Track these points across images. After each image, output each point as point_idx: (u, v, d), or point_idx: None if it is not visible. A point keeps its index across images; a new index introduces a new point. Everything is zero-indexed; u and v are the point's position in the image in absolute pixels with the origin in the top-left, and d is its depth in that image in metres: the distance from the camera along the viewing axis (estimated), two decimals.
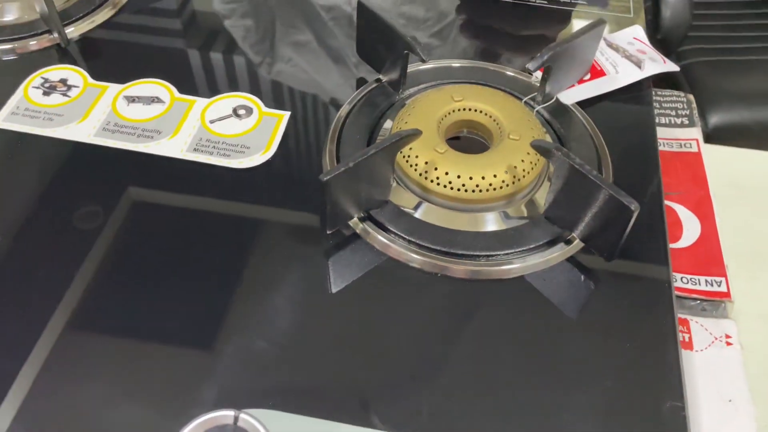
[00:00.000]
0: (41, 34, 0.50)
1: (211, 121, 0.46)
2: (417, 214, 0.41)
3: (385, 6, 0.57)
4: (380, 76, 0.48)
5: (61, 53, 0.50)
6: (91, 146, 0.44)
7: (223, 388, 0.32)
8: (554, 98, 0.47)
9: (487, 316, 0.37)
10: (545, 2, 0.58)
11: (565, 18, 0.57)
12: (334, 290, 0.37)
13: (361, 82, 0.50)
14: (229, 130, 0.45)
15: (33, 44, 0.50)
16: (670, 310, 0.37)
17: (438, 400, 0.33)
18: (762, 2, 0.98)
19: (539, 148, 0.37)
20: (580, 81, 0.49)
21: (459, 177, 0.40)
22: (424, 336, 0.36)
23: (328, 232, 0.38)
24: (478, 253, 0.38)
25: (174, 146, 0.44)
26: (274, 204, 0.42)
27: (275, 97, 0.48)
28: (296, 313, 0.36)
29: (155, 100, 0.47)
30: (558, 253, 0.39)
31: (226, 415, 0.27)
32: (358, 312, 0.37)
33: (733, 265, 0.48)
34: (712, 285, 0.48)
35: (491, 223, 0.40)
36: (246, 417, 0.27)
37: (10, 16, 0.52)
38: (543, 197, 0.41)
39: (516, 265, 0.38)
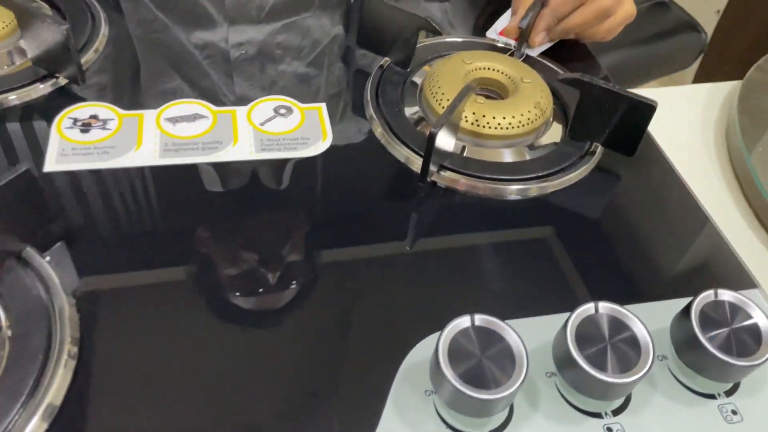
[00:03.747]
0: (43, 79, 0.49)
1: (261, 123, 0.49)
2: (468, 154, 0.49)
3: (259, 38, 0.56)
4: (386, 59, 0.55)
5: (65, 93, 0.49)
6: (163, 167, 0.45)
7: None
8: (524, 54, 0.58)
9: (554, 226, 0.46)
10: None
11: None
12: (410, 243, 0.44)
13: None
14: (281, 127, 0.49)
15: (38, 90, 0.48)
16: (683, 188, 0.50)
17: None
18: None
19: (567, 80, 0.47)
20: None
21: (504, 118, 0.48)
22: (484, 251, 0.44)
23: (427, 179, 0.45)
24: (532, 175, 0.48)
25: (242, 150, 0.47)
26: (353, 175, 0.47)
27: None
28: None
29: (197, 116, 0.49)
30: (588, 163, 0.49)
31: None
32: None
33: None
34: None
35: (533, 151, 0.50)
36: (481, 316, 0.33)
37: None
38: (556, 127, 0.52)
39: (566, 177, 0.48)
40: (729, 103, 0.75)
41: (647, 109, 0.46)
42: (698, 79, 1.63)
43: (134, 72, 0.53)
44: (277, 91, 0.53)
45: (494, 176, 0.47)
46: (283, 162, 0.47)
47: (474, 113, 0.48)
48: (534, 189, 0.47)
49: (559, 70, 0.57)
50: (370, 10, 0.53)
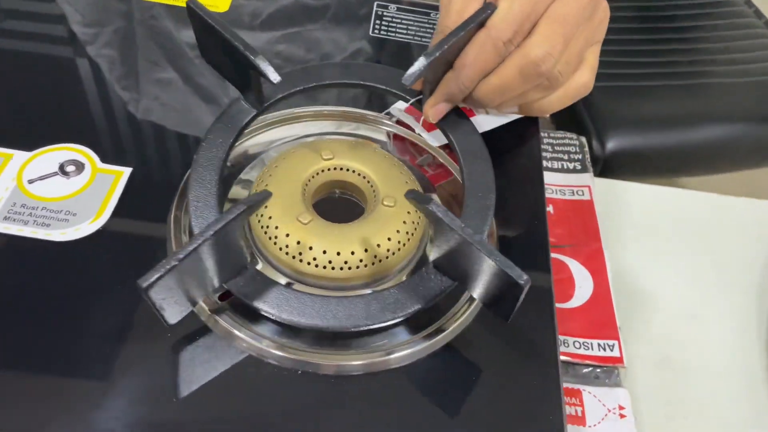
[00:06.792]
0: None
1: (30, 181, 0.38)
2: None
3: (256, 44, 0.49)
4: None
5: None
6: None
7: None
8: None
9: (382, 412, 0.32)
10: None
11: None
12: (182, 395, 0.31)
13: None
14: (52, 192, 0.38)
15: None
16: (557, 398, 0.34)
17: None
18: (653, 28, 1.00)
19: (413, 199, 0.32)
20: None
21: (325, 252, 0.34)
22: None
23: (172, 323, 0.31)
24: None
25: None
26: (105, 286, 0.34)
27: (122, 148, 0.41)
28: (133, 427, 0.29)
29: None
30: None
31: None
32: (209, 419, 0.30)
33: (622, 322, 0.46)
34: (605, 349, 0.45)
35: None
36: None
37: None
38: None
39: (405, 352, 0.33)
40: None
41: (513, 286, 0.30)
42: None
43: (135, 55, 0.49)
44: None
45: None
46: (22, 241, 0.35)
47: (288, 235, 0.34)
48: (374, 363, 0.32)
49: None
50: (195, 23, 0.38)
